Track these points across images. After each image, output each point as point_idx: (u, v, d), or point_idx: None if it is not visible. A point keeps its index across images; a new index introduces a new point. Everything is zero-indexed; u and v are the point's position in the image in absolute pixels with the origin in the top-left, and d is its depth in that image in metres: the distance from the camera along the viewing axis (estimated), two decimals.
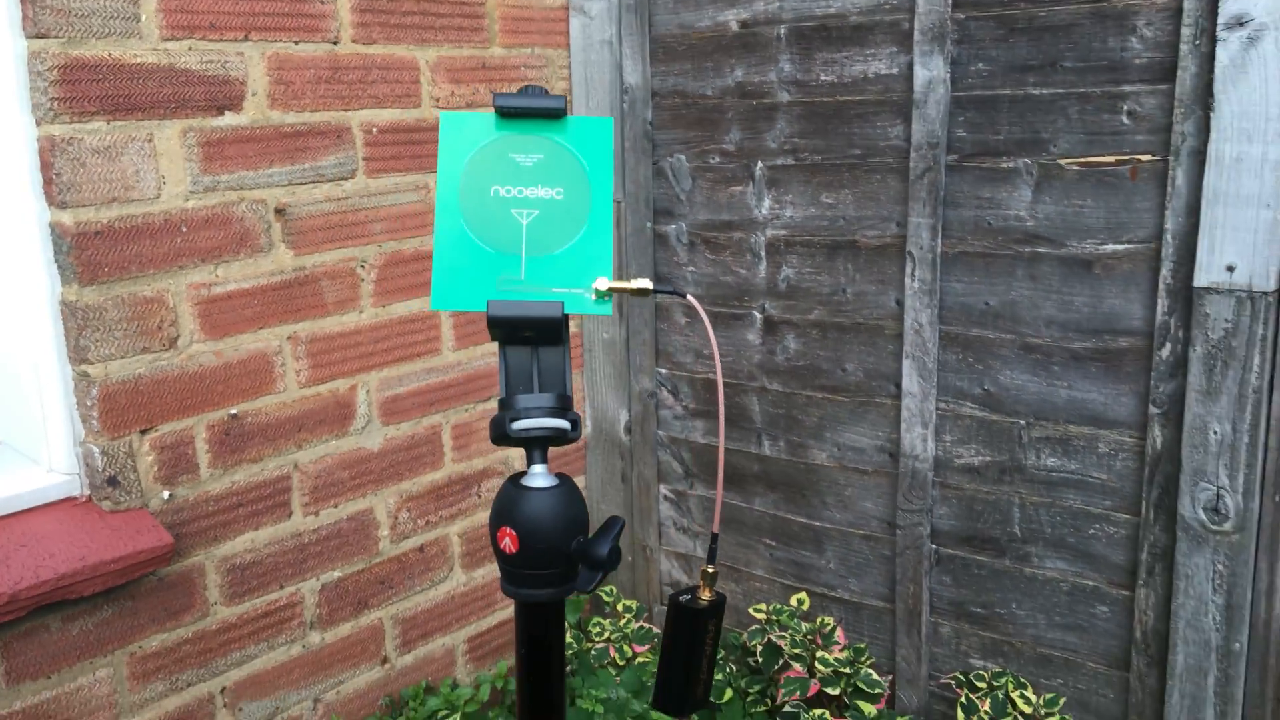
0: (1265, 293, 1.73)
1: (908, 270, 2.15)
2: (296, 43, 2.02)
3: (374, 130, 2.18)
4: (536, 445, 0.90)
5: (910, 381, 2.18)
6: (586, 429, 2.75)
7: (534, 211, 0.91)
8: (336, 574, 2.25)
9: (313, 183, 2.08)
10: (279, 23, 1.99)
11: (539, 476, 0.91)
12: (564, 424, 0.90)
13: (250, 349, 2.03)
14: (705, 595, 0.94)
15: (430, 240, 2.33)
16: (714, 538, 0.98)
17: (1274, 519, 1.80)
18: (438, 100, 2.29)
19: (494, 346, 2.49)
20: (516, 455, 2.56)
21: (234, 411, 2.01)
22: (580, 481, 2.79)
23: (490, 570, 2.58)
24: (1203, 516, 1.85)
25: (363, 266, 2.20)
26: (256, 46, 1.96)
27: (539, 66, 2.51)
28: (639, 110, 2.50)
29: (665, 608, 2.72)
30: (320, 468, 2.19)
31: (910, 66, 2.09)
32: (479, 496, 2.52)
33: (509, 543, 0.86)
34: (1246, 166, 1.70)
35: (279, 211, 2.04)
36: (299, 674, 2.21)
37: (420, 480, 2.39)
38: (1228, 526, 1.83)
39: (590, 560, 0.86)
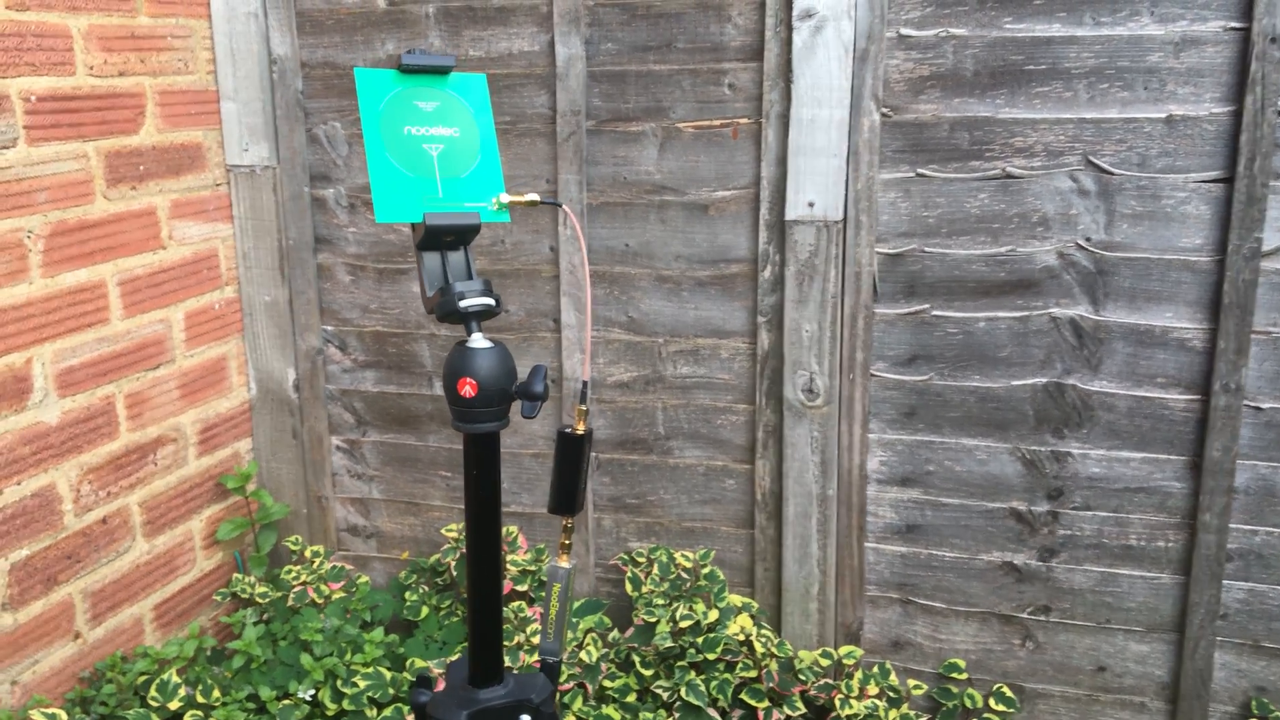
0: (836, 221, 2.31)
1: (560, 220, 2.52)
2: None
3: (32, 98, 2.14)
4: (476, 317, 1.17)
5: (568, 315, 2.56)
6: (252, 391, 2.84)
7: (440, 145, 1.15)
8: (25, 552, 2.20)
9: None
10: None
11: (481, 340, 1.19)
12: (493, 301, 1.17)
13: None
14: (580, 428, 1.25)
15: (93, 209, 2.32)
16: (585, 384, 1.29)
17: (849, 392, 2.40)
18: (91, 68, 2.29)
19: (160, 315, 2.53)
20: (190, 425, 2.61)
21: None
22: (246, 444, 2.87)
23: (171, 537, 2.61)
24: (801, 397, 2.42)
25: (29, 237, 2.17)
26: None
27: (184, 36, 2.55)
28: (289, 80, 2.63)
29: (340, 552, 2.90)
30: (1, 444, 2.13)
31: (551, 45, 2.44)
32: (155, 465, 2.55)
33: (469, 389, 1.13)
34: (819, 126, 2.26)
35: None
36: None
37: (99, 451, 2.38)
38: (819, 402, 2.41)
39: (529, 395, 1.16)
